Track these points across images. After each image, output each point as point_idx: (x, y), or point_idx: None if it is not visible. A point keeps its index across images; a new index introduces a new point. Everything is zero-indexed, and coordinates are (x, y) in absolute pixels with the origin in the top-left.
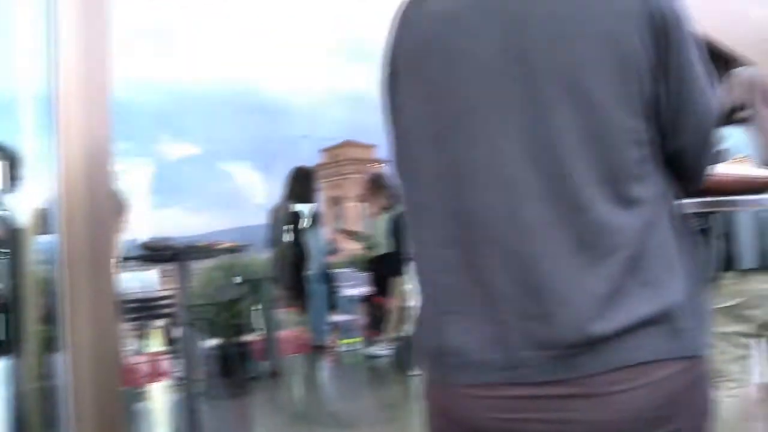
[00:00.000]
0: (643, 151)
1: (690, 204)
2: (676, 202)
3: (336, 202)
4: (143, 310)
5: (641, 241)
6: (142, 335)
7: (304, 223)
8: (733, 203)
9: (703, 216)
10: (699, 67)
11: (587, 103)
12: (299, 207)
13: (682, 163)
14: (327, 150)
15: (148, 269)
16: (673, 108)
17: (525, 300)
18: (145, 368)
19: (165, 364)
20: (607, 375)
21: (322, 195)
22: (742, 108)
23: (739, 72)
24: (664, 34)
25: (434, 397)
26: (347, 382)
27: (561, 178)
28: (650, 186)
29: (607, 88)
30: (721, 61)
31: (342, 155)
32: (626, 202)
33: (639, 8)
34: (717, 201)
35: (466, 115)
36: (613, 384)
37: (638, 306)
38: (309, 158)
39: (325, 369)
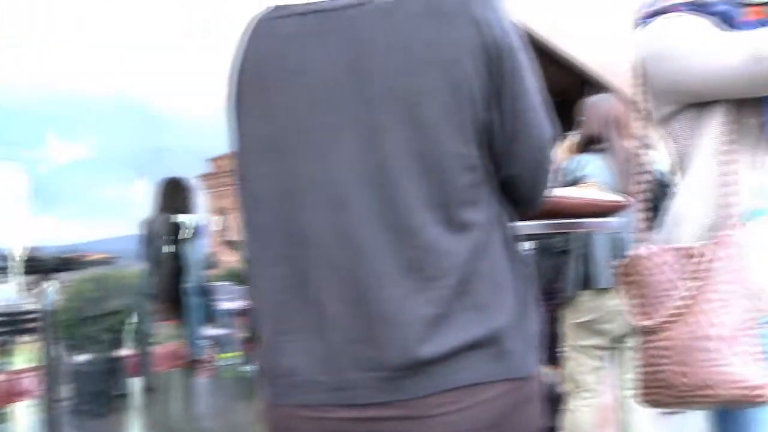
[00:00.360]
0: (476, 177)
1: (536, 225)
2: (511, 225)
3: (221, 212)
4: (4, 325)
5: (471, 265)
6: (3, 352)
7: (184, 234)
8: (581, 225)
9: (563, 237)
10: (534, 96)
11: (421, 128)
12: (180, 218)
13: (516, 190)
14: (213, 160)
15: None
16: (506, 136)
17: (354, 321)
18: (6, 387)
19: (28, 382)
20: (433, 397)
21: (208, 205)
22: (598, 139)
23: (594, 102)
24: (499, 64)
25: (270, 418)
26: (223, 397)
27: (392, 201)
28: (482, 210)
29: (441, 114)
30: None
31: (228, 165)
32: (457, 226)
33: (475, 38)
34: (565, 223)
35: (302, 135)
36: (439, 406)
37: (465, 329)
38: (194, 168)
39: (201, 384)
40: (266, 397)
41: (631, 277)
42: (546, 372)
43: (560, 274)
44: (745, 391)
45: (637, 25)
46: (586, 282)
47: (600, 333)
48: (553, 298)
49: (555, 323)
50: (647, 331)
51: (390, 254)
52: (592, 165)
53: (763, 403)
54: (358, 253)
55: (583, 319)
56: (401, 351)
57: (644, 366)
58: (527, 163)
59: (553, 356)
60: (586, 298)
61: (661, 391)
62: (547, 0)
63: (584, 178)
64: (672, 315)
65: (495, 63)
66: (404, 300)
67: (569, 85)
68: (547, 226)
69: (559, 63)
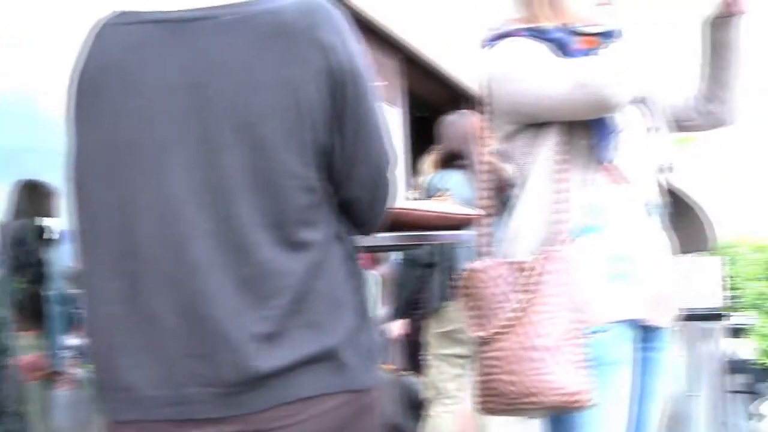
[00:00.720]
0: (315, 198)
1: (390, 237)
2: (351, 242)
3: None
4: None
5: (307, 283)
6: None
7: (46, 240)
8: (436, 237)
9: (428, 250)
10: (376, 122)
11: (259, 147)
12: (42, 223)
13: (355, 212)
14: None
15: None
16: (346, 160)
17: (190, 337)
18: None
19: None
20: (271, 411)
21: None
22: (459, 155)
23: (453, 119)
24: (343, 89)
25: None
26: (85, 410)
27: (228, 219)
28: (321, 230)
29: (281, 134)
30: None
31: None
32: (293, 245)
33: (320, 61)
34: (420, 235)
35: (138, 148)
36: (277, 419)
37: (301, 346)
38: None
39: (62, 396)
40: (106, 413)
41: (468, 289)
42: (409, 379)
43: (426, 285)
44: (565, 398)
45: (483, 46)
46: (450, 293)
47: (461, 342)
48: (418, 308)
49: (420, 332)
50: (482, 342)
51: (224, 272)
52: (454, 180)
53: (581, 407)
54: (193, 269)
55: (445, 329)
56: (236, 367)
57: (479, 375)
58: (366, 187)
59: (416, 364)
60: (449, 309)
61: (494, 399)
62: (423, 17)
63: (446, 192)
64: (503, 326)
65: (339, 87)
66: (238, 317)
67: (445, 100)
68: (401, 238)
69: (435, 78)
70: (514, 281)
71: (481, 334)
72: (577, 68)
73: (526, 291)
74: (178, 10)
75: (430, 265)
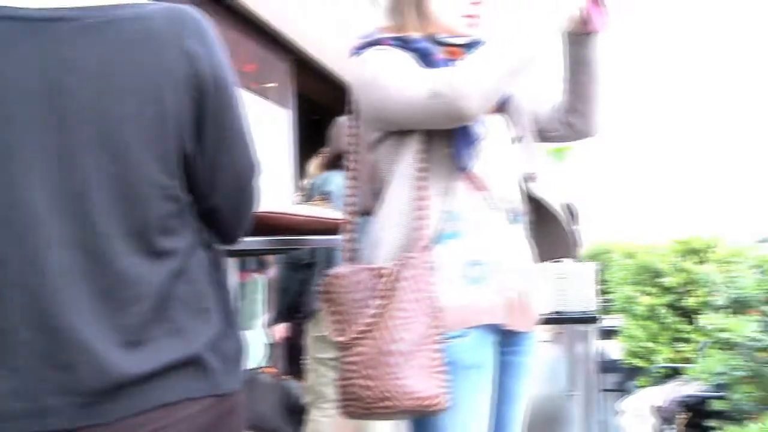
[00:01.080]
0: (177, 206)
1: (263, 242)
2: (216, 249)
3: None
4: None
5: (167, 291)
6: None
7: None
8: (308, 242)
9: (309, 253)
10: (240, 132)
11: (120, 155)
12: None
13: (217, 221)
14: None
15: None
16: (209, 169)
17: (48, 348)
18: None
19: None
20: (133, 419)
21: None
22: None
23: (342, 121)
24: (207, 98)
25: None
26: None
27: (86, 226)
28: (183, 239)
29: (142, 142)
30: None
31: None
32: (154, 254)
33: (185, 70)
34: (292, 240)
35: None
36: (140, 426)
37: (163, 352)
38: None
39: None
40: None
41: (329, 294)
42: (289, 383)
43: (305, 288)
44: (419, 402)
45: (352, 54)
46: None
47: None
48: (299, 312)
49: (300, 336)
50: (342, 347)
51: (82, 281)
52: (337, 181)
53: (436, 411)
54: (50, 279)
55: (323, 332)
56: (97, 375)
57: (340, 379)
58: (230, 196)
59: (297, 368)
60: None
61: (353, 403)
62: (315, 19)
63: (329, 194)
64: (361, 331)
65: (204, 97)
66: (97, 326)
67: (337, 102)
68: (273, 242)
69: (327, 80)
70: (373, 287)
71: (341, 339)
72: (433, 78)
73: (383, 296)
74: (39, 9)
75: (309, 268)
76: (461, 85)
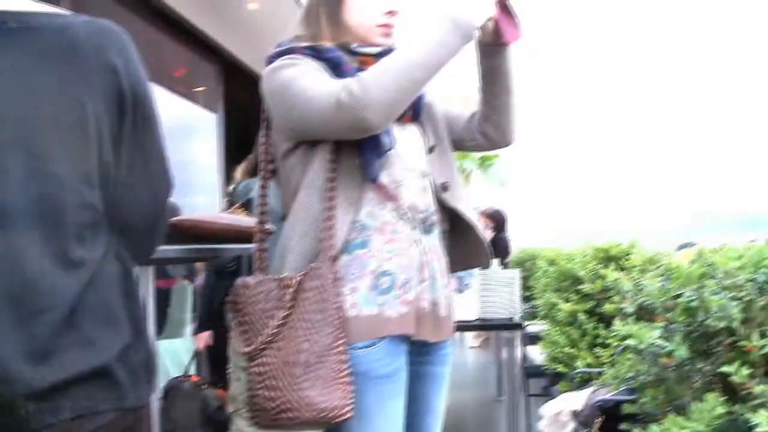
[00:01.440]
0: (93, 216)
1: (180, 250)
2: (129, 261)
3: None
4: None
5: (79, 300)
6: None
7: None
8: (225, 250)
9: (235, 260)
10: (158, 148)
11: (37, 162)
12: None
13: (130, 236)
14: None
15: None
16: (125, 184)
17: None
18: None
19: None
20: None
21: None
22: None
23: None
24: (128, 112)
25: None
26: None
27: (2, 231)
28: (97, 248)
29: (61, 150)
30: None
31: None
32: (68, 262)
33: (106, 83)
34: (209, 248)
35: None
36: None
37: (72, 363)
38: None
39: None
40: None
41: (238, 305)
42: (211, 392)
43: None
44: (321, 413)
45: (267, 62)
46: None
47: None
48: (222, 320)
49: (224, 345)
50: (248, 357)
51: None
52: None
53: (339, 423)
54: None
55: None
56: (3, 387)
57: (247, 390)
58: (142, 212)
59: (221, 377)
60: None
61: (259, 414)
62: (244, 23)
63: (251, 201)
64: (265, 342)
65: (123, 110)
66: (5, 334)
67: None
68: (190, 251)
69: (257, 85)
70: (280, 297)
71: (247, 349)
72: (338, 88)
73: (288, 307)
74: None
75: (236, 276)
76: (362, 95)
